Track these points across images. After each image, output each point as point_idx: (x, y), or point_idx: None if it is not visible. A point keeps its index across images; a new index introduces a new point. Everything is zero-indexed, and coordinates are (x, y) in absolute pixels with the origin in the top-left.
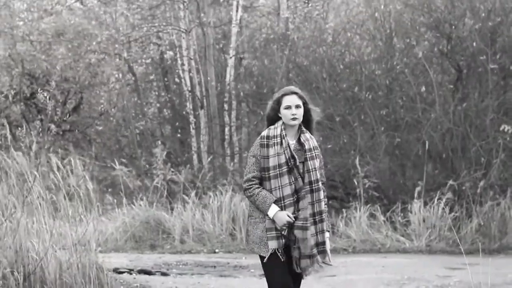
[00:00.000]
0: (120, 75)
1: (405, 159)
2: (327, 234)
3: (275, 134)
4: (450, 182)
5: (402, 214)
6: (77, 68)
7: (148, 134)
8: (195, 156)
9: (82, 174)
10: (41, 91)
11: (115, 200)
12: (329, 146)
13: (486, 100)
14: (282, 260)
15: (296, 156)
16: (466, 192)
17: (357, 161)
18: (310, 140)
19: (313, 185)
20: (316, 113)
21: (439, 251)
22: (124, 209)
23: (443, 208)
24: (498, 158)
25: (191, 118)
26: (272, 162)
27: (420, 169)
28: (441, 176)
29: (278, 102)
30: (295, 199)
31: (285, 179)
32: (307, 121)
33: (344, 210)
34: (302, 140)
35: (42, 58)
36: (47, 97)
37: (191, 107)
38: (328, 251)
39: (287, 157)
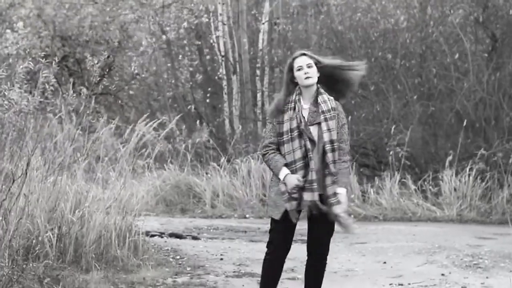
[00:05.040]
0: (153, 38)
1: (437, 128)
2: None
3: (290, 100)
4: (482, 151)
5: (433, 183)
6: (109, 29)
7: (180, 99)
8: (226, 121)
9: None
10: (90, 55)
11: (145, 164)
12: (363, 114)
13: None
14: (294, 222)
15: (306, 119)
16: (498, 162)
17: (392, 130)
18: (329, 101)
19: (326, 146)
20: (334, 63)
21: (470, 221)
22: (155, 173)
23: (475, 178)
24: None
25: (224, 83)
26: (285, 127)
27: (453, 138)
28: (473, 145)
29: (291, 67)
30: (306, 162)
31: (296, 143)
32: (330, 81)
33: (375, 178)
34: (319, 101)
35: (73, 22)
36: (95, 61)
37: (224, 72)
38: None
39: (298, 122)
